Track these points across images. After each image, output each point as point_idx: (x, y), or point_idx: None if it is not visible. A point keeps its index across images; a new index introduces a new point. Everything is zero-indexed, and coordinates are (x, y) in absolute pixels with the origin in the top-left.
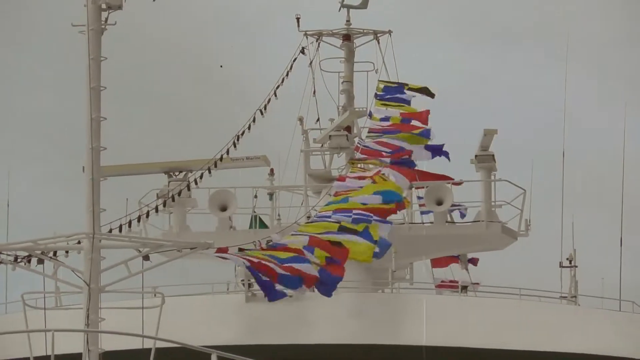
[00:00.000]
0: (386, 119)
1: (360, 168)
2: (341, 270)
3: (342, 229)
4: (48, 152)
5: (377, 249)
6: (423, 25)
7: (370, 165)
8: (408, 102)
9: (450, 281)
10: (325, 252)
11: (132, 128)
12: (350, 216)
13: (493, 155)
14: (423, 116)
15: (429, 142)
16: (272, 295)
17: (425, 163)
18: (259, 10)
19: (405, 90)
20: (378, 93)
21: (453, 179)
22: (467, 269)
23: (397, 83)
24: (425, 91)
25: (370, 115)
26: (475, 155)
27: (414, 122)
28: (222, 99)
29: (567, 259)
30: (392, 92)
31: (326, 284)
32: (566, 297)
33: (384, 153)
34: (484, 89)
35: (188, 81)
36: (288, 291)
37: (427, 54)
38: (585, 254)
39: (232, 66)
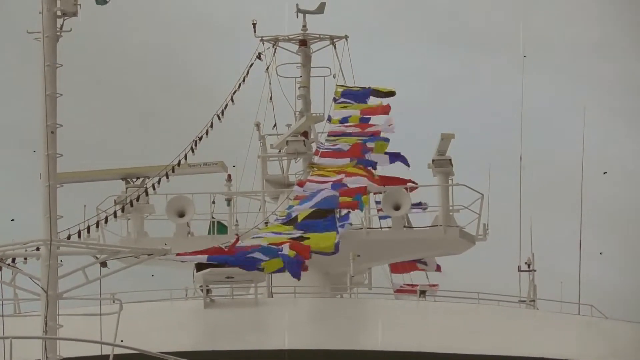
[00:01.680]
0: (345, 119)
1: (319, 172)
2: (307, 253)
3: (301, 226)
4: (4, 157)
5: (337, 239)
6: (382, 30)
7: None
8: (366, 101)
9: (409, 285)
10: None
11: (89, 132)
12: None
13: (450, 160)
14: (384, 109)
15: (388, 149)
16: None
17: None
18: (218, 15)
19: (370, 92)
20: (337, 98)
21: (414, 182)
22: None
23: (359, 87)
24: (390, 94)
25: (330, 119)
26: (433, 160)
27: (374, 119)
28: (180, 104)
29: (526, 263)
30: (350, 96)
31: (293, 264)
32: (525, 301)
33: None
34: (445, 93)
35: (146, 86)
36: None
37: (386, 58)
38: (544, 258)
39: (190, 70)
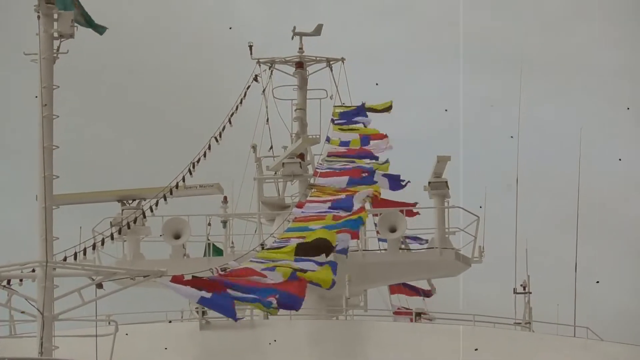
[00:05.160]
0: (346, 143)
1: (319, 193)
2: (302, 289)
3: (299, 253)
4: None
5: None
6: (381, 52)
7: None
8: (365, 124)
9: (407, 309)
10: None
11: (86, 153)
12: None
13: (446, 182)
14: (382, 137)
15: (389, 170)
16: (232, 313)
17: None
18: (214, 36)
19: (364, 109)
20: (335, 119)
21: (413, 205)
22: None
23: (355, 106)
24: (384, 109)
25: (328, 140)
26: (429, 182)
27: (373, 143)
28: (178, 125)
29: (521, 285)
30: (348, 117)
31: (287, 302)
32: (520, 323)
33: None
34: (441, 114)
35: (144, 107)
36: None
37: (385, 80)
38: (540, 280)
39: (188, 91)
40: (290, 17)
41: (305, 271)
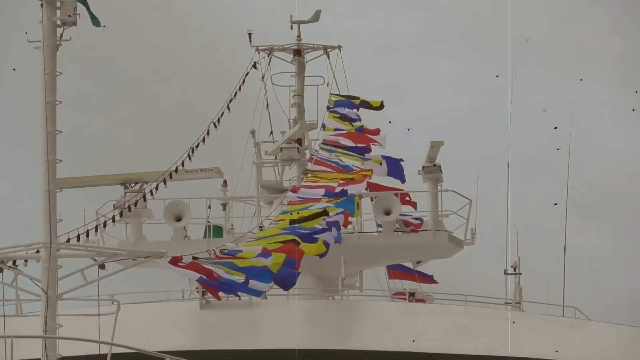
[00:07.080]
0: (340, 129)
1: (314, 177)
2: (297, 266)
3: (293, 222)
4: (10, 160)
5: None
6: (383, 39)
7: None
8: (358, 120)
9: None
10: (281, 253)
11: (91, 139)
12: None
13: (440, 166)
14: (375, 132)
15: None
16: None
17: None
18: (213, 24)
19: (356, 104)
20: (330, 106)
21: (405, 192)
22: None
23: (348, 96)
24: (376, 107)
25: (324, 127)
26: (423, 167)
27: (367, 134)
28: (178, 111)
29: (512, 266)
30: (343, 106)
31: (284, 279)
32: (510, 303)
33: (336, 166)
34: (436, 100)
35: (145, 91)
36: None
37: (380, 67)
38: (530, 261)
39: (187, 77)
40: (294, 5)
41: (298, 243)
